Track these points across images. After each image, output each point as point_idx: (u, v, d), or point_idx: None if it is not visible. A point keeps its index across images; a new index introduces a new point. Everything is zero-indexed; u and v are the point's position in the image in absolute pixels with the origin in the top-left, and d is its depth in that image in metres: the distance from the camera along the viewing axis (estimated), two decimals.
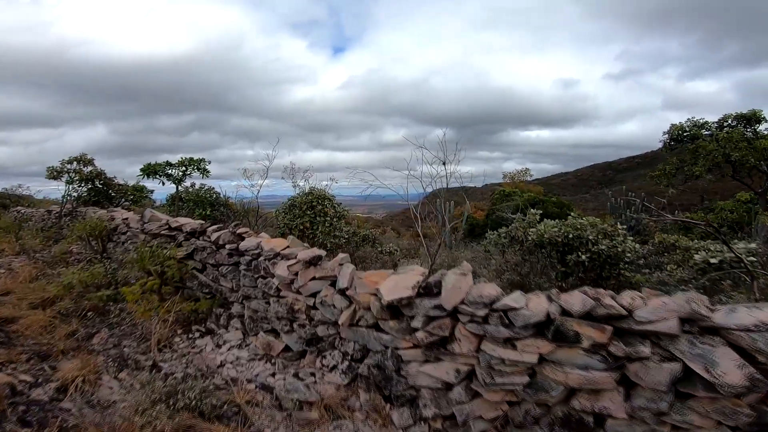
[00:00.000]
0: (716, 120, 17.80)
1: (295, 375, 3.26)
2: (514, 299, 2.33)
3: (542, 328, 2.27)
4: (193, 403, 2.70)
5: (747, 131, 16.74)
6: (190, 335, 4.09)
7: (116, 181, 10.81)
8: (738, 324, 1.94)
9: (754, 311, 1.96)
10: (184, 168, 11.25)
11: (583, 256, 4.65)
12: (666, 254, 5.92)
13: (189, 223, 5.09)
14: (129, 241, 6.08)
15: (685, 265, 5.03)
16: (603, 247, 4.63)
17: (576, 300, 2.21)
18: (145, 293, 4.19)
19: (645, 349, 2.05)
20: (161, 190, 11.88)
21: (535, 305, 2.27)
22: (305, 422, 2.76)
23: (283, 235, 6.51)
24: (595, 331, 2.13)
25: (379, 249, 7.89)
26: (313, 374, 3.22)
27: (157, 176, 11.18)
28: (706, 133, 17.81)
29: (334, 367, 3.13)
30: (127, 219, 6.54)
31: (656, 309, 2.04)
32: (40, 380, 3.17)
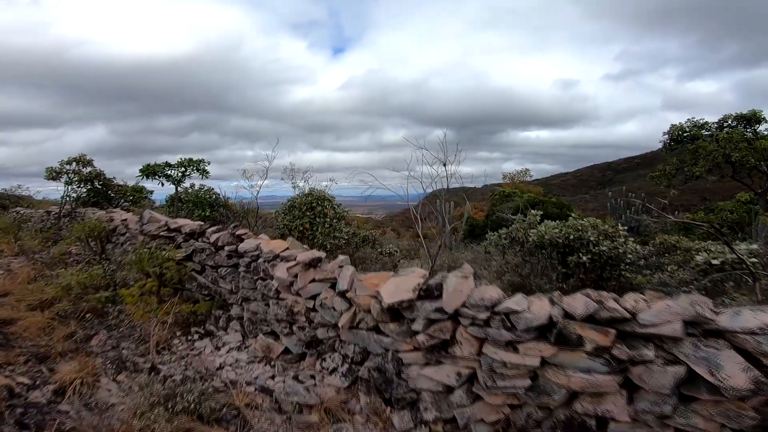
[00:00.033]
0: (716, 120, 17.81)
1: (295, 377, 3.24)
2: (516, 302, 2.31)
3: (544, 331, 2.25)
4: (192, 406, 2.67)
5: (747, 132, 16.73)
6: (189, 337, 4.06)
7: (115, 181, 10.80)
8: (743, 327, 1.92)
9: (759, 314, 1.94)
10: (183, 169, 11.23)
11: (584, 258, 4.63)
12: (667, 255, 5.91)
13: (188, 224, 5.07)
14: (128, 243, 6.06)
15: (686, 266, 5.02)
16: (604, 248, 4.62)
17: (579, 303, 2.19)
18: (143, 295, 4.17)
19: (649, 353, 2.02)
20: (160, 190, 11.88)
21: (537, 308, 2.25)
22: (305, 425, 2.73)
23: (283, 236, 6.49)
24: (599, 334, 2.11)
25: (379, 250, 7.88)
26: (312, 377, 3.20)
27: (157, 177, 11.17)
28: (706, 133, 17.81)
29: (334, 370, 3.11)
30: (125, 220, 6.52)
31: (660, 312, 2.02)
32: (38, 382, 3.15)
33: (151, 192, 12.05)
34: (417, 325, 2.61)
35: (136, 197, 11.24)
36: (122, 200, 10.83)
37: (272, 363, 3.53)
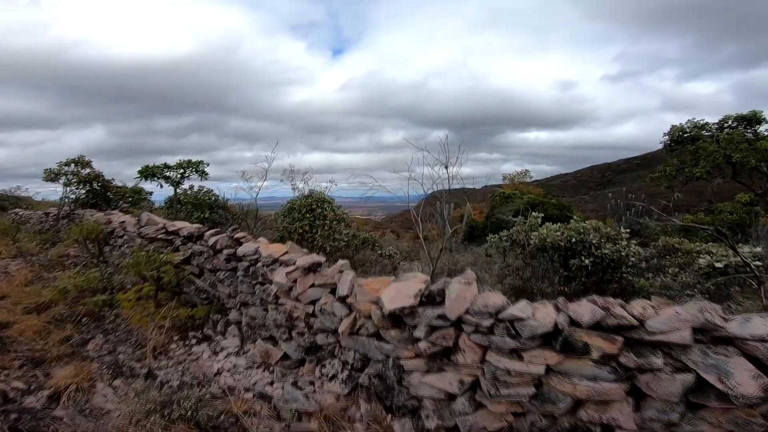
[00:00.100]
0: (716, 121, 17.81)
1: (294, 384, 3.19)
2: (521, 309, 2.26)
3: (550, 338, 2.20)
4: (189, 413, 2.62)
5: (747, 132, 16.73)
6: (187, 342, 4.01)
7: (114, 183, 10.75)
8: (753, 334, 1.89)
9: None
10: (182, 170, 11.19)
11: (587, 261, 4.59)
12: (668, 257, 5.86)
13: (186, 227, 5.02)
14: (126, 245, 6.01)
15: (688, 269, 4.97)
16: (606, 251, 4.58)
17: (585, 310, 2.14)
18: (140, 299, 4.12)
19: (657, 360, 1.98)
20: (159, 192, 11.84)
21: (542, 315, 2.21)
22: None
23: (282, 239, 6.45)
24: (605, 342, 2.06)
25: (379, 252, 7.83)
26: (312, 383, 3.15)
27: (156, 178, 11.13)
28: (707, 134, 17.81)
29: (334, 377, 3.06)
30: (123, 222, 6.47)
31: (669, 319, 1.97)
32: (32, 387, 3.10)
33: (150, 193, 12.01)
34: (419, 332, 2.56)
35: (135, 199, 11.19)
36: (121, 202, 10.77)
37: (271, 369, 3.48)
